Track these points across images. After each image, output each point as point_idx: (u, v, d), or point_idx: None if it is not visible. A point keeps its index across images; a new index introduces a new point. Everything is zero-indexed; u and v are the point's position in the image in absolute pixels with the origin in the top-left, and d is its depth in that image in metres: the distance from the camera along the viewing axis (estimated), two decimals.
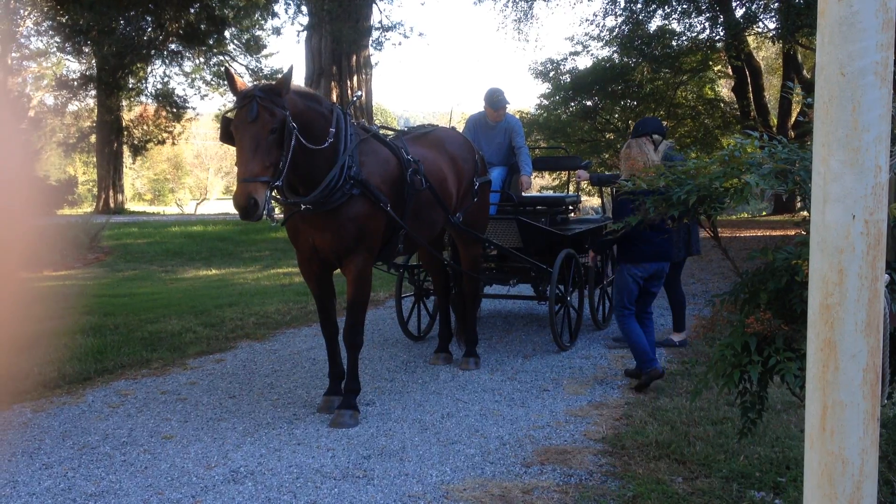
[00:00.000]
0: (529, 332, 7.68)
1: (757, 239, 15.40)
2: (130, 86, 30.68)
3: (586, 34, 25.41)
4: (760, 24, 19.95)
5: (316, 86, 19.42)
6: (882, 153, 1.77)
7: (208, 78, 33.44)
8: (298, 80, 4.98)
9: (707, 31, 21.57)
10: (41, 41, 33.80)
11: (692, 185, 3.13)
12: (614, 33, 23.10)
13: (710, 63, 23.96)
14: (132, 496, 3.74)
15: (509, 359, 6.59)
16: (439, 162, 5.79)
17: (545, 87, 26.28)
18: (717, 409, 4.91)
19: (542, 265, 6.85)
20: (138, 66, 29.79)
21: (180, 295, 9.90)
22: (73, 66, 34.06)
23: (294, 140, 4.47)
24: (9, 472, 4.02)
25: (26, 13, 31.77)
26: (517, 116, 10.94)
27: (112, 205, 30.22)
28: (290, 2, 23.32)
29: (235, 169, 4.50)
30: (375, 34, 21.54)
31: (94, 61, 29.87)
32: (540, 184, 33.95)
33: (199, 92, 34.24)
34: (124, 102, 31.84)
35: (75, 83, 31.46)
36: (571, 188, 9.44)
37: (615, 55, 24.23)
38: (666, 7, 21.21)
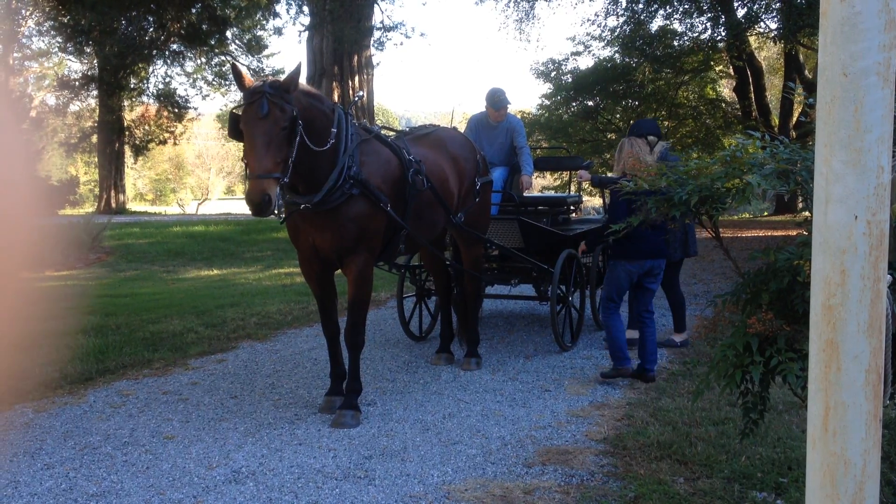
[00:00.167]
0: (531, 333, 7.68)
1: (759, 239, 15.39)
2: (132, 86, 30.69)
3: (588, 34, 25.46)
4: (762, 24, 19.96)
5: (317, 86, 19.41)
6: (884, 154, 1.77)
7: (210, 78, 33.47)
8: (300, 79, 4.98)
9: (709, 32, 21.60)
10: (43, 41, 33.89)
11: (694, 186, 3.12)
12: (616, 33, 23.12)
13: (712, 63, 23.97)
14: (134, 496, 3.74)
15: (511, 359, 6.59)
16: (441, 162, 5.79)
17: (547, 88, 26.33)
18: (718, 410, 4.90)
19: (543, 265, 6.85)
20: (140, 66, 29.80)
21: (182, 295, 9.91)
22: (75, 67, 34.12)
23: (299, 138, 4.47)
24: (10, 472, 4.02)
25: (28, 13, 31.82)
26: (519, 116, 10.93)
27: (114, 205, 30.25)
28: (292, 2, 23.36)
29: (240, 167, 4.52)
30: (377, 34, 21.56)
31: (95, 61, 29.89)
32: (541, 184, 33.95)
33: (201, 92, 34.24)
34: (126, 102, 31.86)
35: (77, 83, 31.49)
36: (573, 188, 9.44)
37: (617, 55, 24.25)
38: (667, 7, 21.24)
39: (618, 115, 25.28)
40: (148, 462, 4.20)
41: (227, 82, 32.93)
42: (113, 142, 30.79)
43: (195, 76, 33.42)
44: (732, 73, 25.11)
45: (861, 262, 1.78)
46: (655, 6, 21.42)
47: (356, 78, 20.24)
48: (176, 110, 32.51)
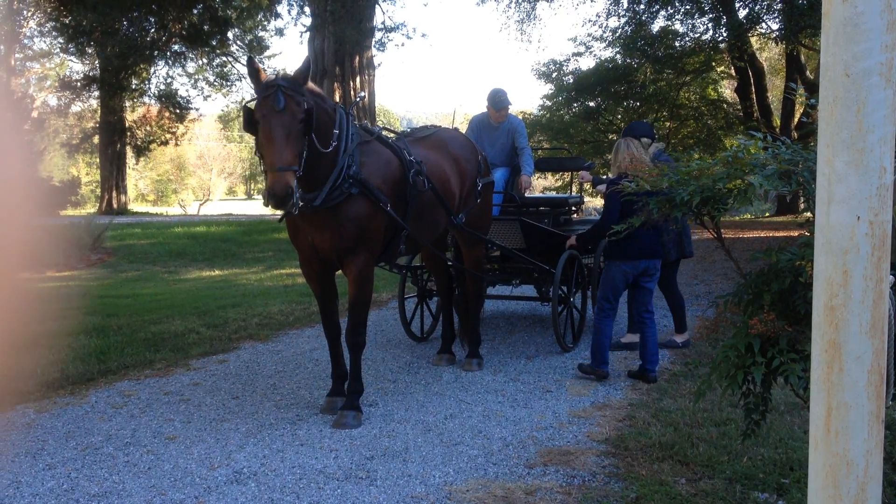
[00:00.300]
0: (532, 333, 7.68)
1: (760, 240, 15.38)
2: (133, 87, 30.68)
3: (589, 35, 25.33)
4: (764, 24, 19.93)
5: (319, 86, 19.39)
6: (887, 154, 1.77)
7: (211, 79, 33.48)
8: None
9: (710, 32, 21.57)
10: (44, 42, 33.93)
11: (695, 186, 3.12)
12: (617, 34, 23.09)
13: (713, 64, 23.95)
14: (135, 497, 3.74)
15: (512, 360, 6.58)
16: (442, 163, 5.79)
17: (548, 88, 26.30)
18: (720, 411, 4.90)
19: (545, 266, 6.85)
20: (141, 66, 29.79)
21: (183, 296, 9.91)
22: (77, 67, 34.15)
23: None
24: (12, 472, 4.02)
25: (30, 14, 31.86)
26: (520, 117, 10.93)
27: (115, 205, 30.26)
28: (294, 3, 23.35)
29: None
30: (378, 35, 21.55)
31: (97, 62, 29.90)
32: (543, 184, 33.95)
33: (202, 93, 34.24)
34: (127, 103, 31.87)
35: (78, 84, 31.47)
36: (574, 189, 9.43)
37: (618, 56, 24.23)
38: (669, 8, 21.21)
39: (619, 116, 25.26)
40: (150, 462, 4.20)
41: (229, 83, 32.98)
42: (114, 142, 30.81)
43: (197, 77, 33.43)
44: (734, 74, 25.08)
45: (863, 263, 1.78)
46: (657, 7, 21.40)
47: (357, 79, 20.24)
48: (177, 111, 32.51)
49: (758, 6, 19.02)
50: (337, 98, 19.35)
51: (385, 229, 5.10)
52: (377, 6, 21.28)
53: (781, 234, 15.94)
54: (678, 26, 22.63)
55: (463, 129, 7.73)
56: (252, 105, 4.48)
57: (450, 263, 6.57)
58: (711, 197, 3.14)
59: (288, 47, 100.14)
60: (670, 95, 24.28)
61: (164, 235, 18.06)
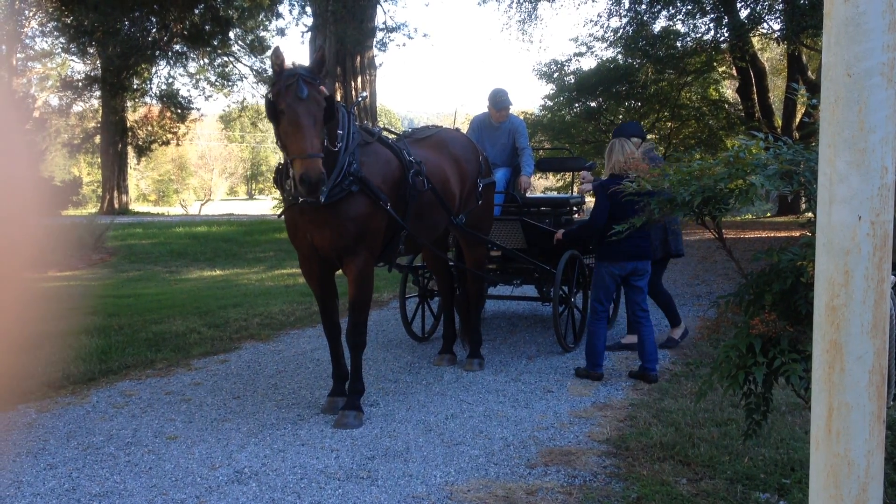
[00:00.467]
0: (533, 334, 7.68)
1: (762, 240, 15.38)
2: (135, 87, 30.73)
3: (590, 35, 25.41)
4: (765, 25, 19.92)
5: None
6: (888, 154, 1.76)
7: (213, 79, 33.50)
8: None
9: (711, 32, 21.58)
10: (46, 42, 33.95)
11: (697, 186, 3.12)
12: (618, 34, 23.11)
13: (715, 64, 23.94)
14: (136, 496, 3.74)
15: (513, 360, 6.58)
16: (442, 163, 5.78)
17: (549, 88, 26.31)
18: (721, 411, 4.90)
19: (545, 266, 6.85)
20: (143, 66, 29.85)
21: (184, 296, 9.92)
22: (78, 67, 34.19)
23: None
24: (13, 472, 4.03)
25: (31, 14, 31.89)
26: (521, 117, 10.92)
27: (116, 205, 30.29)
28: (295, 3, 23.40)
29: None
30: (380, 35, 21.57)
31: (98, 62, 29.94)
32: (544, 185, 33.95)
33: (204, 93, 34.26)
34: (129, 103, 31.89)
35: (80, 84, 31.52)
36: (575, 189, 9.43)
37: (619, 56, 24.25)
38: (670, 8, 21.21)
39: (620, 116, 25.25)
40: (151, 462, 4.20)
41: (230, 83, 32.99)
42: (116, 142, 30.83)
43: (198, 77, 33.46)
44: (735, 74, 25.07)
45: (865, 263, 1.78)
46: (658, 7, 21.41)
47: (359, 79, 20.25)
48: (179, 111, 32.55)
49: (759, 6, 19.01)
50: (338, 98, 19.34)
51: (385, 229, 5.10)
52: (378, 6, 21.30)
53: (783, 234, 15.94)
54: (679, 26, 22.64)
55: (464, 129, 7.73)
56: (273, 95, 4.49)
57: (451, 263, 6.56)
58: (713, 197, 3.14)
59: (289, 47, 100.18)
60: (672, 95, 24.28)
61: (166, 235, 18.08)
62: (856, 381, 1.81)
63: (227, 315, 8.28)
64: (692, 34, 22.31)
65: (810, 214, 3.19)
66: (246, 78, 32.78)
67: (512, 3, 25.11)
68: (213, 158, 60.49)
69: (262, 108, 33.34)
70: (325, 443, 4.52)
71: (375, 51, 21.30)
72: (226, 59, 31.80)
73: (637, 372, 5.95)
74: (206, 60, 31.74)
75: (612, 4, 22.99)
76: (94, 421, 4.91)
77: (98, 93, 30.81)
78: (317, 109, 4.44)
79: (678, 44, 22.47)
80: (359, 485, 3.89)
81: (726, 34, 20.58)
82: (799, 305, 2.82)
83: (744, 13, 19.75)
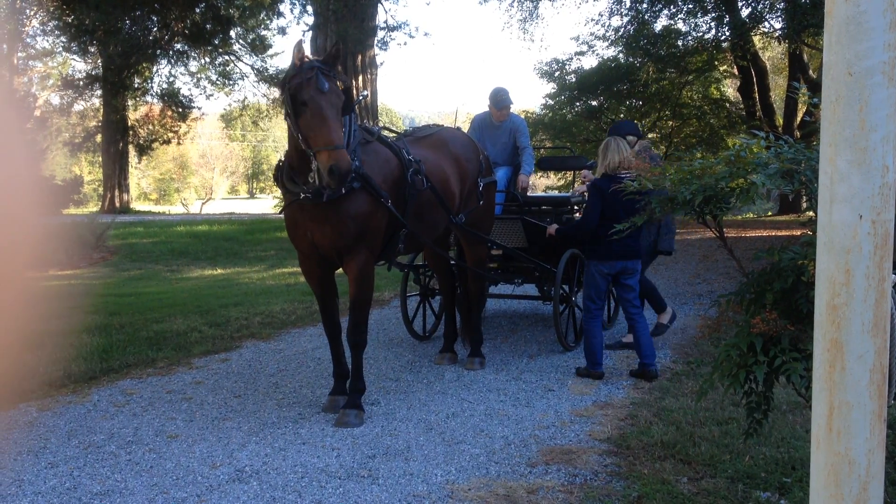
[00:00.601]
0: (534, 332, 7.68)
1: (763, 239, 15.37)
2: (136, 85, 30.70)
3: (592, 34, 25.46)
4: (766, 23, 19.92)
5: None
6: (889, 153, 1.76)
7: (214, 78, 33.48)
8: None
9: (713, 31, 21.57)
10: (47, 41, 33.92)
11: (698, 185, 3.11)
12: (620, 33, 23.10)
13: (716, 63, 23.94)
14: (137, 495, 3.75)
15: (514, 359, 6.59)
16: (441, 162, 5.78)
17: (550, 87, 26.33)
18: (722, 410, 4.90)
19: (546, 265, 6.85)
20: (144, 65, 29.83)
21: (185, 294, 9.92)
22: (79, 66, 34.15)
23: None
24: (14, 470, 4.03)
25: (32, 13, 31.88)
26: (522, 116, 10.92)
27: (117, 204, 30.28)
28: (296, 1, 23.38)
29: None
30: (381, 34, 21.55)
31: (99, 61, 29.92)
32: (545, 183, 33.93)
33: (205, 92, 34.19)
34: (130, 102, 31.87)
35: (81, 83, 31.51)
36: (577, 188, 9.43)
37: (620, 55, 24.24)
38: (671, 7, 21.21)
39: (622, 115, 25.23)
40: (152, 461, 4.20)
41: (231, 82, 32.96)
42: (117, 141, 30.82)
43: (199, 76, 33.43)
44: (736, 73, 25.07)
45: (866, 262, 1.78)
46: (659, 6, 21.41)
47: (360, 77, 20.23)
48: (180, 110, 32.52)
49: (760, 5, 19.02)
50: None
51: (385, 227, 5.10)
52: (379, 5, 21.28)
53: (784, 233, 15.94)
54: (681, 25, 22.65)
55: (465, 128, 7.72)
56: (294, 87, 4.48)
57: (452, 262, 6.56)
58: (714, 196, 3.14)
59: (290, 46, 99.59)
60: (673, 94, 24.28)
61: (167, 234, 18.09)
62: (857, 379, 1.81)
63: (228, 314, 8.28)
64: (693, 33, 22.33)
65: (811, 213, 3.19)
66: (247, 77, 32.76)
67: (513, 1, 25.14)
68: (215, 157, 60.50)
69: (263, 106, 33.52)
70: (326, 441, 4.52)
71: (376, 50, 21.29)
72: (227, 57, 31.76)
73: (637, 370, 5.95)
74: (207, 59, 31.71)
75: (613, 3, 23.00)
76: (96, 419, 4.91)
77: (99, 92, 30.79)
78: (338, 101, 4.50)
79: (679, 43, 22.47)
80: (360, 483, 3.89)
81: (727, 33, 20.57)
82: (800, 304, 2.82)
83: (745, 12, 19.75)
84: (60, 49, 32.79)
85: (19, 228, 1.53)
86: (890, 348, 1.97)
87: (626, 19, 22.66)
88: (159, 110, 33.67)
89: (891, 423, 2.78)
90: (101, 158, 33.43)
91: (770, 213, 26.34)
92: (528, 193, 7.64)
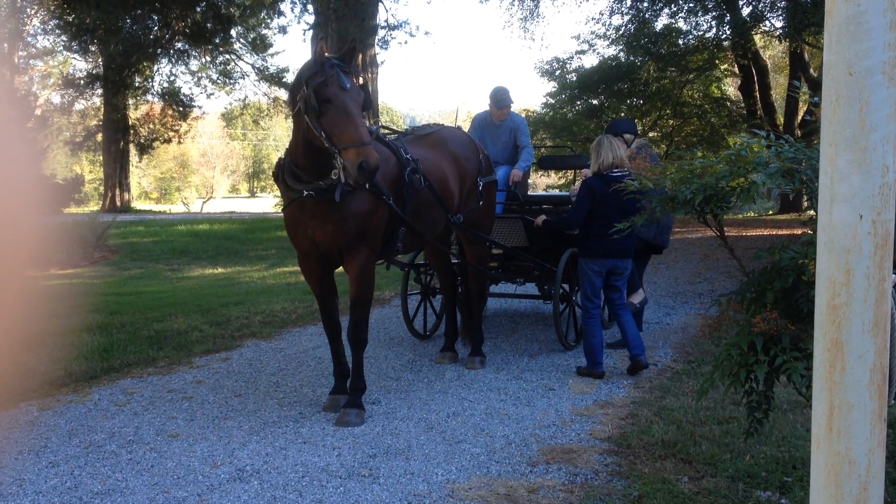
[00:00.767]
0: (535, 331, 7.68)
1: (763, 238, 15.37)
2: (137, 84, 30.72)
3: (592, 33, 25.50)
4: (767, 22, 19.93)
5: None
6: (890, 153, 1.76)
7: (214, 77, 33.49)
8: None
9: (713, 30, 21.58)
10: (48, 40, 33.97)
11: (698, 184, 3.12)
12: (620, 32, 23.11)
13: (717, 62, 23.96)
14: (138, 494, 3.75)
15: (515, 358, 6.59)
16: (440, 161, 5.77)
17: (551, 86, 26.34)
18: (723, 409, 4.90)
19: (546, 264, 6.85)
20: (145, 64, 29.84)
21: (186, 293, 9.92)
22: (80, 65, 34.20)
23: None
24: (15, 470, 4.03)
25: (33, 12, 31.89)
26: (523, 115, 10.92)
27: (118, 203, 30.29)
28: (297, 0, 23.37)
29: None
30: (381, 33, 21.58)
31: (100, 60, 29.93)
32: (546, 182, 33.94)
33: (206, 91, 34.25)
34: (131, 101, 31.90)
35: (82, 82, 31.51)
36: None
37: (621, 54, 24.25)
38: (672, 6, 21.21)
39: (622, 114, 25.23)
40: (152, 460, 4.20)
41: (232, 81, 32.97)
42: (118, 140, 30.83)
43: (200, 75, 33.45)
44: (737, 72, 25.08)
45: (866, 262, 1.78)
46: (660, 5, 21.42)
47: (360, 77, 20.25)
48: (181, 109, 32.55)
49: (761, 4, 19.03)
50: None
51: (385, 226, 5.10)
52: (380, 4, 21.30)
53: (784, 232, 15.94)
54: (681, 24, 22.68)
55: (466, 127, 7.72)
56: (317, 85, 4.48)
57: (454, 261, 6.56)
58: (714, 195, 3.14)
59: (291, 45, 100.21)
60: (673, 93, 24.28)
61: (168, 233, 18.09)
62: (857, 379, 1.81)
63: (229, 313, 8.28)
64: (694, 32, 22.35)
65: (812, 213, 3.19)
66: (248, 76, 32.78)
67: (514, 0, 25.12)
68: (215, 156, 60.48)
69: (264, 105, 33.53)
70: (327, 441, 4.52)
71: (377, 48, 21.31)
72: (227, 56, 31.78)
73: (630, 366, 5.97)
74: (208, 58, 31.72)
75: (614, 2, 23.00)
76: (96, 419, 4.91)
77: (100, 91, 30.80)
78: (359, 98, 4.54)
79: (680, 41, 22.49)
80: (360, 483, 3.90)
81: (728, 32, 20.58)
82: (800, 304, 2.82)
83: (746, 11, 19.77)
84: (61, 48, 32.85)
85: (20, 227, 1.53)
86: (890, 348, 1.97)
87: (626, 18, 22.68)
88: (160, 109, 33.69)
89: (891, 423, 2.78)
90: (101, 157, 33.46)
91: (771, 212, 26.33)
92: (529, 192, 7.63)
